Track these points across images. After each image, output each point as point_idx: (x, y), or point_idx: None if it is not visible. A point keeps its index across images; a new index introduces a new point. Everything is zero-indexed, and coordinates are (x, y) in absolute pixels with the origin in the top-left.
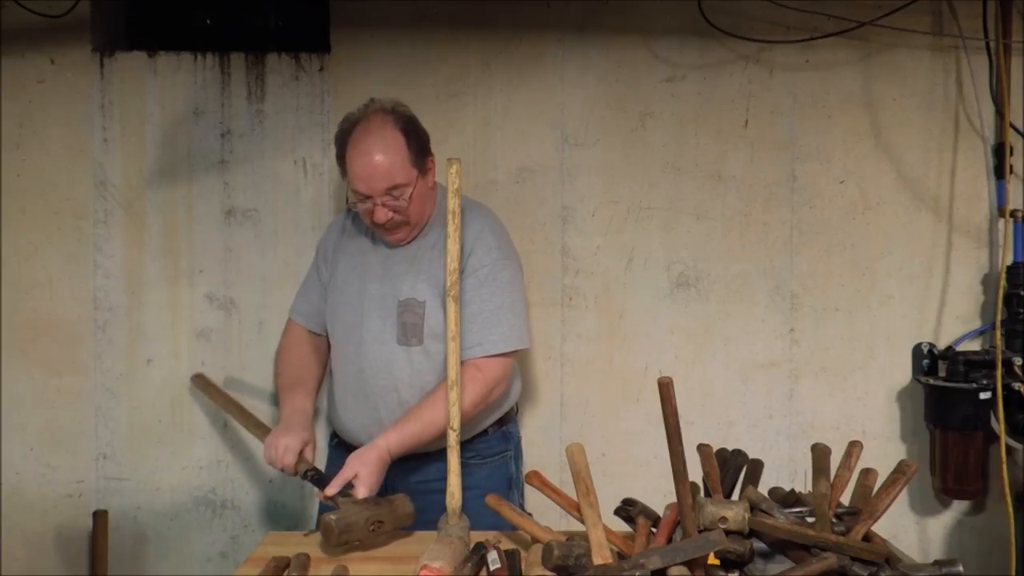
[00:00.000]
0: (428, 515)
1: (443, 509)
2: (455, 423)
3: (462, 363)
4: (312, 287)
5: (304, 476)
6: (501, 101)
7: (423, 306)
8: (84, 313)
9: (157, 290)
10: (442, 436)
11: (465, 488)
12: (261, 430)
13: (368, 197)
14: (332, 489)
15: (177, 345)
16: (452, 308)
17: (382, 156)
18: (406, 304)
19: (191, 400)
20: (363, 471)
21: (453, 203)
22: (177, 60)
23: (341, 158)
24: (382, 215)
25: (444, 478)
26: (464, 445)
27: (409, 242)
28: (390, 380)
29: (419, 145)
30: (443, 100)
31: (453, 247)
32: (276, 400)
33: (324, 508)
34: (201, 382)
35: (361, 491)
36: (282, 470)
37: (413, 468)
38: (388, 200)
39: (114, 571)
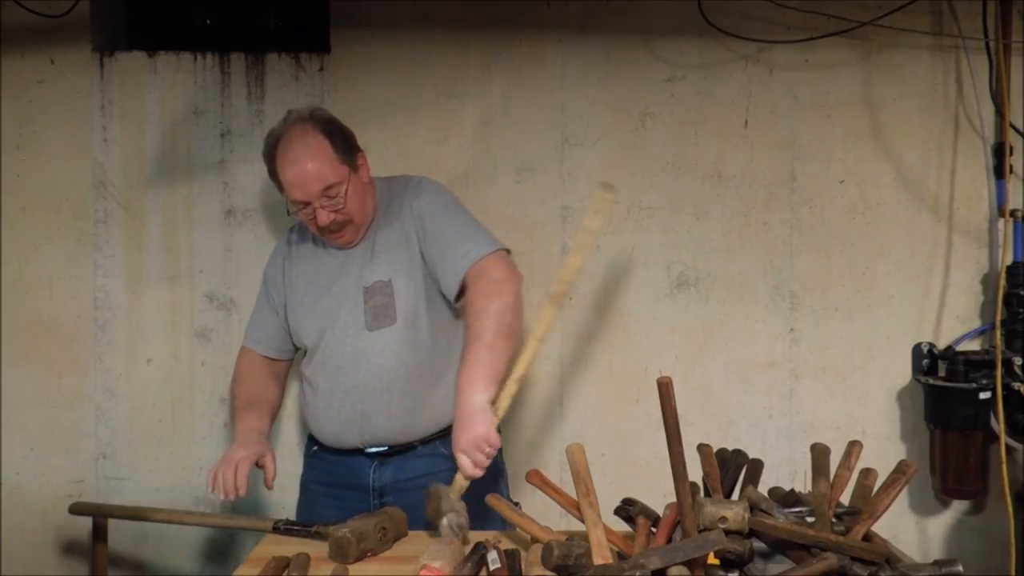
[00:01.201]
0: (417, 511)
1: None
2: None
3: (466, 273)
4: (263, 313)
5: (276, 529)
6: (501, 101)
7: (390, 284)
8: (84, 313)
9: (157, 290)
10: (515, 342)
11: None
12: (193, 517)
13: (307, 203)
14: (467, 471)
15: (177, 345)
16: (548, 310)
17: (310, 160)
18: (373, 288)
19: (191, 400)
20: (481, 435)
21: (595, 223)
22: (177, 60)
23: (273, 173)
24: (324, 217)
25: (430, 474)
26: (447, 437)
27: (360, 242)
28: (370, 369)
29: (344, 143)
30: (443, 100)
31: (578, 259)
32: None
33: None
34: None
35: (490, 452)
36: (231, 493)
37: (399, 466)
38: (325, 202)
39: (114, 571)
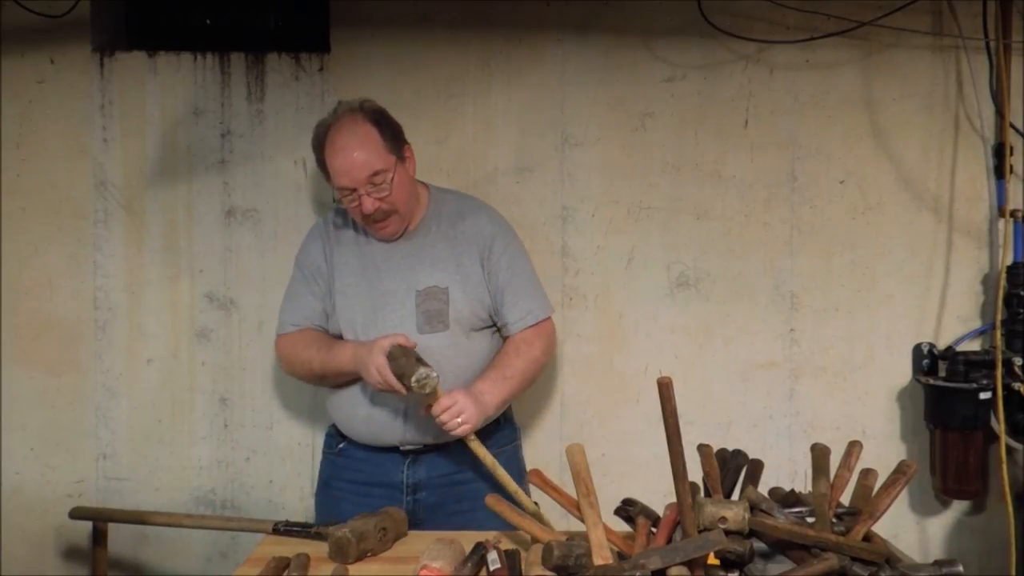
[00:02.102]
0: (448, 508)
1: (463, 501)
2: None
3: (520, 331)
4: (303, 297)
5: (276, 529)
6: (501, 101)
7: (446, 292)
8: (84, 313)
9: (157, 290)
10: (524, 389)
11: (483, 478)
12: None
13: (352, 190)
14: (438, 409)
15: (177, 345)
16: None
17: (358, 148)
18: (427, 292)
19: (191, 400)
20: (471, 410)
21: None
22: (177, 60)
23: (321, 162)
24: (369, 204)
25: (463, 470)
26: (478, 435)
27: (402, 236)
28: None
29: (392, 133)
30: (443, 100)
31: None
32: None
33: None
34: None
35: (466, 428)
36: (392, 387)
37: (432, 463)
38: (371, 189)
39: (114, 571)
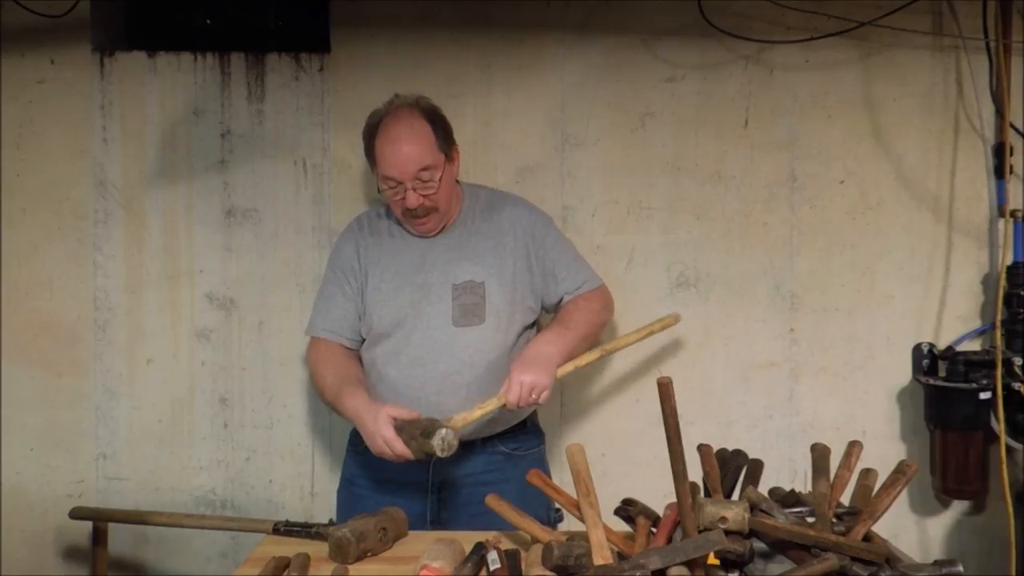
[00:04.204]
0: (472, 508)
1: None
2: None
3: (578, 298)
4: (336, 300)
5: (276, 529)
6: (501, 101)
7: (483, 286)
8: (84, 313)
9: (157, 290)
10: (588, 342)
11: (508, 480)
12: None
13: (399, 183)
14: (513, 402)
15: (177, 345)
16: (591, 355)
17: (410, 141)
18: (464, 287)
19: (191, 400)
20: (535, 376)
21: (641, 333)
22: (177, 60)
23: (370, 151)
24: (413, 199)
25: (488, 471)
26: (506, 436)
27: (439, 233)
28: (452, 363)
29: (444, 132)
30: (443, 100)
31: (634, 337)
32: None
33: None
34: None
35: (546, 395)
36: (402, 457)
37: (457, 463)
38: (418, 184)
39: (114, 571)
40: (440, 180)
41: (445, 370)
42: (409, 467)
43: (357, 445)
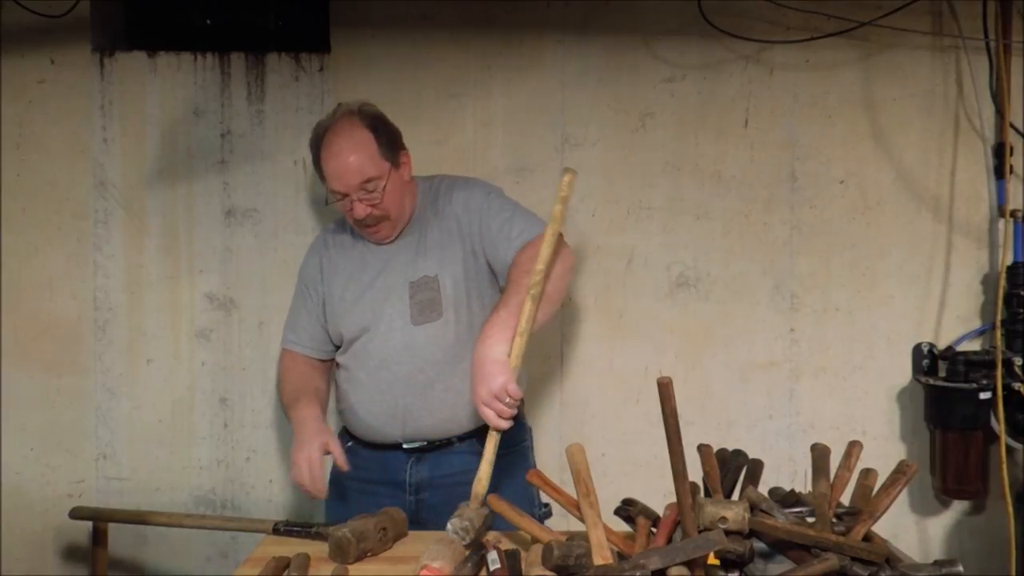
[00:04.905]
0: (453, 508)
1: (466, 501)
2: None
3: (517, 257)
4: (300, 314)
5: (276, 529)
6: (501, 101)
7: (436, 280)
8: (84, 313)
9: (157, 290)
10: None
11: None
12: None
13: (345, 195)
14: (490, 420)
15: (177, 345)
16: (530, 307)
17: (352, 153)
18: (419, 283)
19: (191, 400)
20: (495, 384)
21: (557, 210)
22: (177, 60)
23: (317, 163)
24: (360, 210)
25: (468, 470)
26: (485, 434)
27: (397, 238)
28: (414, 362)
29: (388, 140)
30: (443, 100)
31: (546, 250)
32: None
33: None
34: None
35: (512, 388)
36: (317, 493)
37: (436, 463)
38: (363, 195)
39: (114, 571)
40: (385, 189)
41: (409, 370)
42: (387, 468)
43: (341, 443)
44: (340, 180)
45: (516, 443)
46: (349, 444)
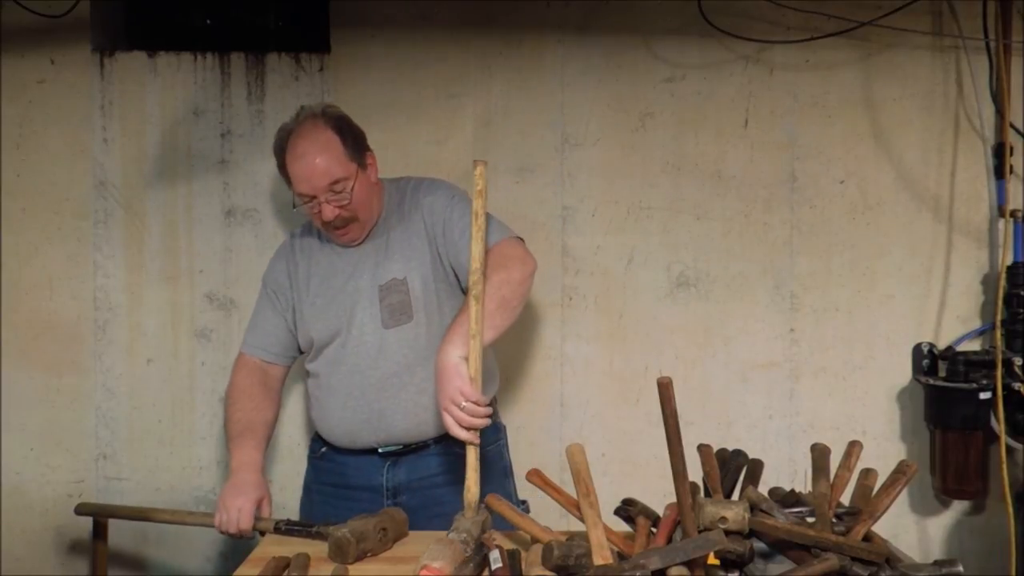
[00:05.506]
0: (431, 511)
1: (444, 503)
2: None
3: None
4: (264, 317)
5: (276, 529)
6: (501, 101)
7: (405, 283)
8: (84, 313)
9: (157, 290)
10: (509, 318)
11: (463, 481)
12: (196, 517)
13: (312, 197)
14: (456, 432)
15: (177, 345)
16: (474, 307)
17: (319, 155)
18: (388, 286)
19: (191, 400)
20: (455, 386)
21: (477, 204)
22: (177, 60)
23: (282, 167)
24: (328, 212)
25: (444, 472)
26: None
27: (365, 240)
28: (387, 366)
29: (354, 140)
30: (443, 100)
31: (476, 247)
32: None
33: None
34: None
35: (469, 391)
36: (239, 535)
37: (412, 466)
38: (331, 197)
39: (114, 571)
40: (353, 190)
41: (382, 374)
42: (364, 471)
43: (315, 451)
44: (307, 182)
45: (489, 443)
46: (323, 450)
